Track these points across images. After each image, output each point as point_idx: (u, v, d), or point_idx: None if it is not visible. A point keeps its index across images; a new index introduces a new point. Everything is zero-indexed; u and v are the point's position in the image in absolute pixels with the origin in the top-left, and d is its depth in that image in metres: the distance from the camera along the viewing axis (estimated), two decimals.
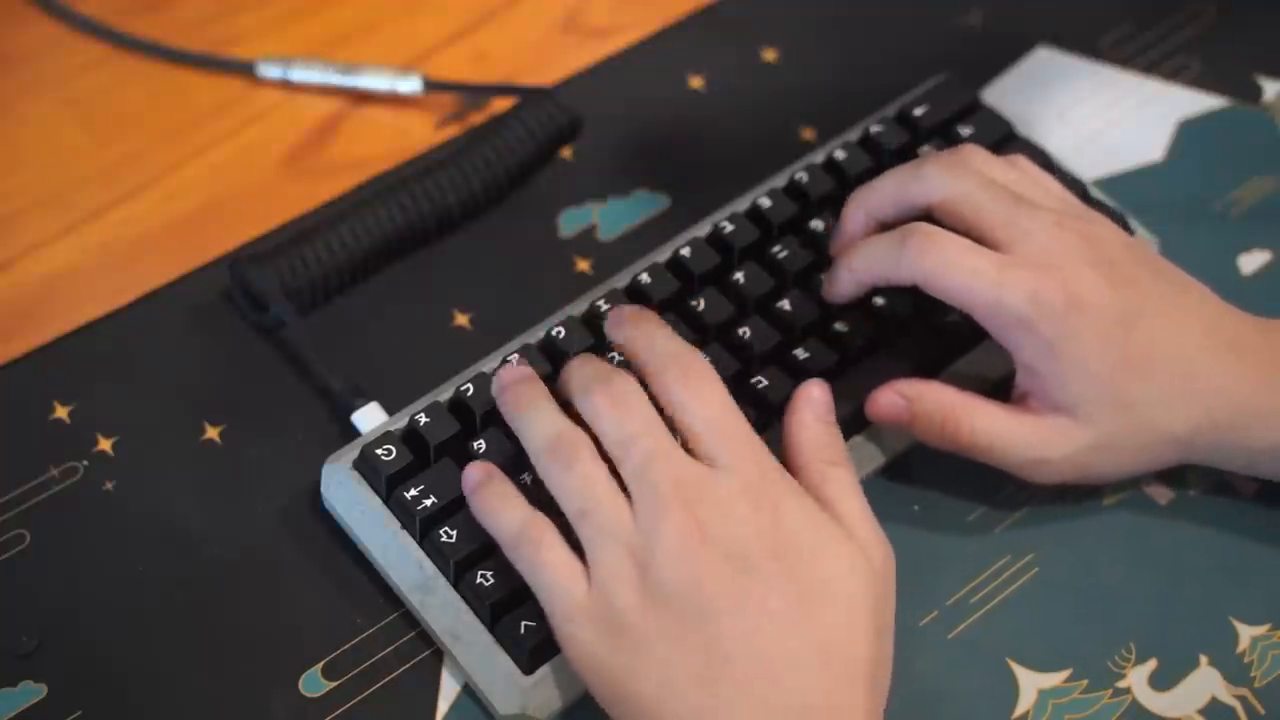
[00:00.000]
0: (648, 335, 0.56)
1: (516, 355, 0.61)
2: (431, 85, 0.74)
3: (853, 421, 0.62)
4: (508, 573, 0.56)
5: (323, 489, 0.61)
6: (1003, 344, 0.59)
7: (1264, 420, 0.59)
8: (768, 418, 0.60)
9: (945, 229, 0.59)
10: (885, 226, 0.62)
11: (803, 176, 0.68)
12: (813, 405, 0.57)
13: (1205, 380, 0.59)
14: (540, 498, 0.55)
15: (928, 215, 0.61)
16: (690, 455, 0.54)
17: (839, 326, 0.63)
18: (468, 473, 0.57)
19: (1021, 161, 0.63)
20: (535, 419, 0.55)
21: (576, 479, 0.53)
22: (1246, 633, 0.60)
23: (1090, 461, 0.59)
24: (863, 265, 0.61)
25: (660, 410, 0.55)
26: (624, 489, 0.53)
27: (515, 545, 0.54)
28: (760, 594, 0.51)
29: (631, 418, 0.54)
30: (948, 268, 0.58)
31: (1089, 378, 0.58)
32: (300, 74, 0.74)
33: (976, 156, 0.62)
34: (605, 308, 0.63)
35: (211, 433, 0.64)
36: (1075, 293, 0.58)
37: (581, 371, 0.56)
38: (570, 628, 0.53)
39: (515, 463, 0.58)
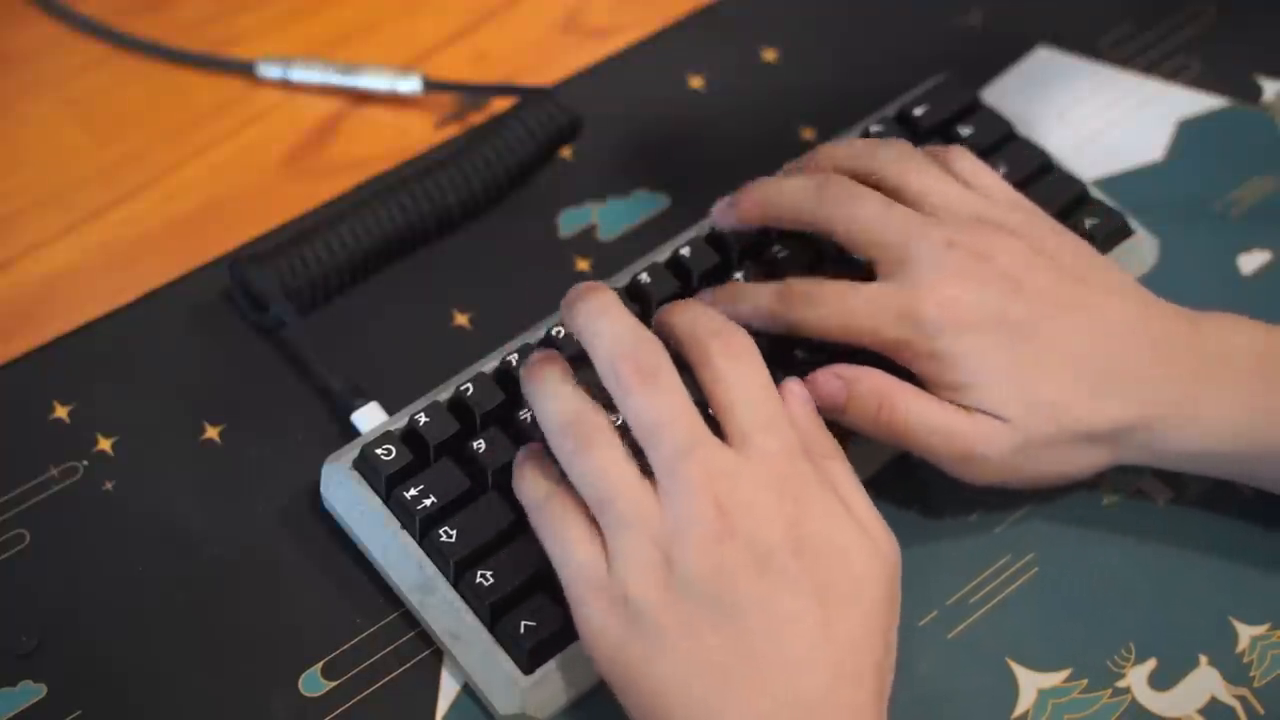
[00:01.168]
0: (691, 311, 0.56)
1: (516, 356, 0.61)
2: (431, 85, 0.74)
3: None
4: (508, 573, 0.56)
5: (323, 489, 0.61)
6: (900, 362, 0.59)
7: (1189, 417, 0.59)
8: None
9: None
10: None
11: None
12: (795, 399, 0.57)
13: (1127, 376, 0.59)
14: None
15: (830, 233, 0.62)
16: (718, 429, 0.53)
17: None
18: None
19: (951, 157, 0.63)
20: (550, 397, 0.54)
21: (593, 465, 0.53)
22: (1246, 633, 0.60)
23: (1021, 463, 0.59)
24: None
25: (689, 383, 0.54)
26: (644, 468, 0.53)
27: (539, 513, 0.54)
28: (783, 592, 0.51)
29: (662, 400, 0.53)
30: (834, 316, 0.59)
31: (993, 383, 0.58)
32: (300, 74, 0.74)
33: (889, 153, 0.62)
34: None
35: (211, 433, 0.64)
36: (955, 313, 0.58)
37: (608, 332, 0.54)
38: (586, 608, 0.53)
39: None
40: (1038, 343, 0.58)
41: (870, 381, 0.59)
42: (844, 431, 0.60)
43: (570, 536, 0.53)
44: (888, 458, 0.63)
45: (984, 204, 0.62)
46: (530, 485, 0.55)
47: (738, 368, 0.54)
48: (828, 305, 0.59)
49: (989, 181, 0.63)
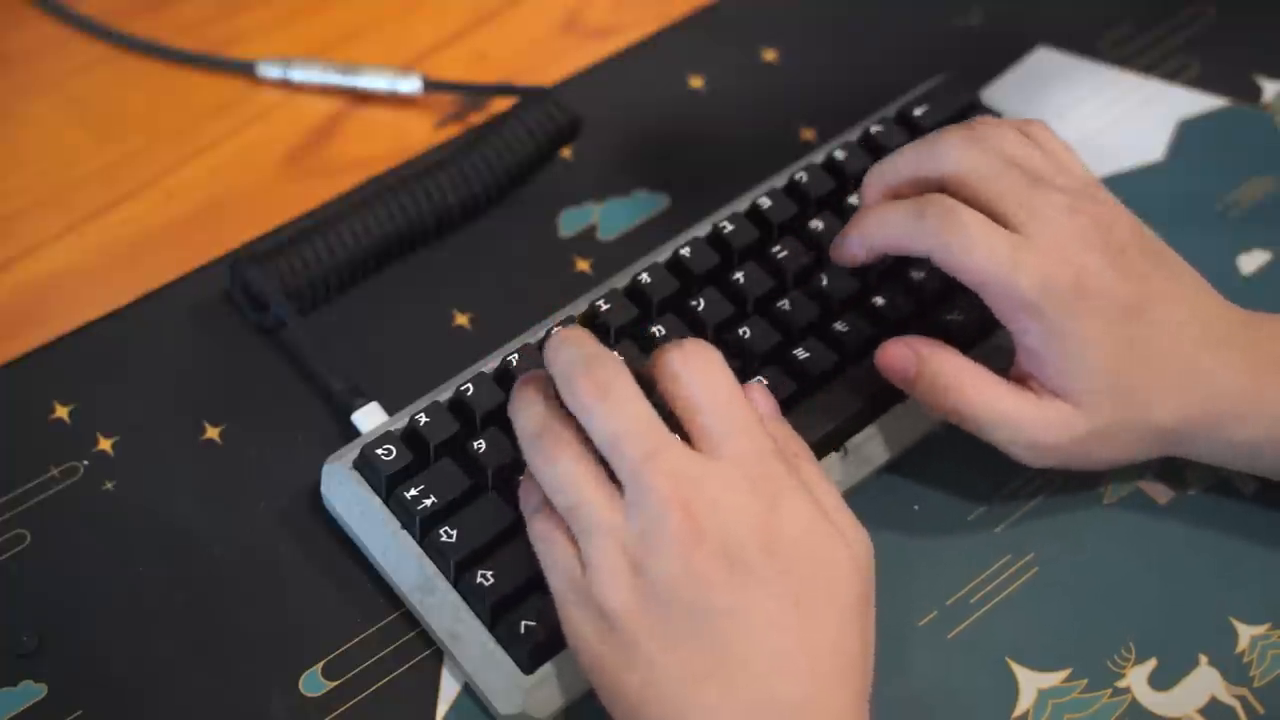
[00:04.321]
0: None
1: (516, 356, 0.61)
2: (431, 85, 0.74)
3: (855, 420, 0.62)
4: (508, 573, 0.56)
5: (323, 489, 0.61)
6: (1007, 326, 0.59)
7: (1251, 416, 0.59)
8: None
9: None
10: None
11: (803, 176, 0.68)
12: (759, 403, 0.57)
13: (1201, 373, 0.59)
14: None
15: (942, 189, 0.60)
16: (686, 436, 0.53)
17: (839, 326, 0.63)
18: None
19: (1040, 134, 0.62)
20: (524, 410, 0.54)
21: (561, 473, 0.53)
22: (1246, 632, 0.60)
23: (1088, 450, 0.59)
24: (877, 231, 0.60)
25: (651, 389, 0.53)
26: (614, 478, 0.53)
27: (532, 520, 0.54)
28: (755, 593, 0.51)
29: (619, 411, 0.52)
30: (964, 243, 0.57)
31: (1092, 367, 0.58)
32: (300, 74, 0.74)
33: (994, 129, 0.61)
34: (605, 307, 0.63)
35: (211, 433, 0.64)
36: (1083, 281, 0.57)
37: (564, 353, 0.54)
38: (568, 607, 0.53)
39: (515, 463, 0.58)
40: (1135, 330, 0.58)
41: (942, 362, 0.59)
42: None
43: (556, 542, 0.53)
44: (888, 457, 0.63)
45: (1083, 180, 0.61)
46: (526, 494, 0.55)
47: (699, 373, 0.53)
48: (972, 239, 0.57)
49: (1068, 159, 0.62)
